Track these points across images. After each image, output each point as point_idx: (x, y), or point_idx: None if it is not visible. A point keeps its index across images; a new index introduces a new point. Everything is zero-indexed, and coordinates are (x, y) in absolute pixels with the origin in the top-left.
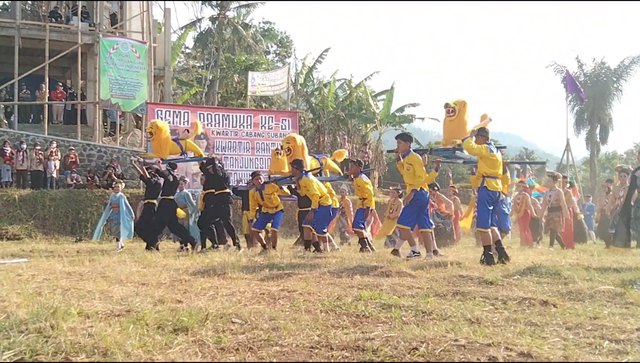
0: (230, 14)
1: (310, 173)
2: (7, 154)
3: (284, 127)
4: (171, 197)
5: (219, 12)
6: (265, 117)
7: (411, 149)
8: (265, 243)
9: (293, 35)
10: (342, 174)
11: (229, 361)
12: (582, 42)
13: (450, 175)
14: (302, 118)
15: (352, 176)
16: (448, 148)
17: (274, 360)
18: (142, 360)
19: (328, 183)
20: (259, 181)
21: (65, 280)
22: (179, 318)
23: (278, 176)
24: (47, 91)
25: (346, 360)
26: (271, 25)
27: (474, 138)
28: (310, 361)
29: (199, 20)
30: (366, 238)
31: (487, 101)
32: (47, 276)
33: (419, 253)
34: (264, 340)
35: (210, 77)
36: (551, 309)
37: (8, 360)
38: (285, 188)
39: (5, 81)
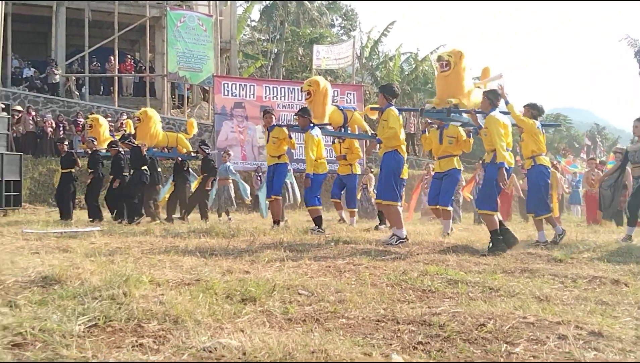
0: None
1: (316, 128)
2: (80, 125)
3: (348, 101)
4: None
5: None
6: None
7: (392, 105)
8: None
9: (358, 8)
10: (370, 133)
11: (296, 332)
12: None
13: (518, 151)
14: (367, 92)
15: None
16: (441, 110)
17: (341, 332)
18: (211, 328)
19: (357, 145)
20: (270, 119)
21: (137, 248)
22: (247, 288)
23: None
24: (117, 63)
25: (412, 334)
26: None
27: (521, 110)
28: (377, 334)
29: None
30: (321, 216)
31: (557, 74)
32: (119, 245)
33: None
34: (331, 312)
35: (276, 50)
36: (622, 288)
37: (82, 326)
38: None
39: (76, 54)
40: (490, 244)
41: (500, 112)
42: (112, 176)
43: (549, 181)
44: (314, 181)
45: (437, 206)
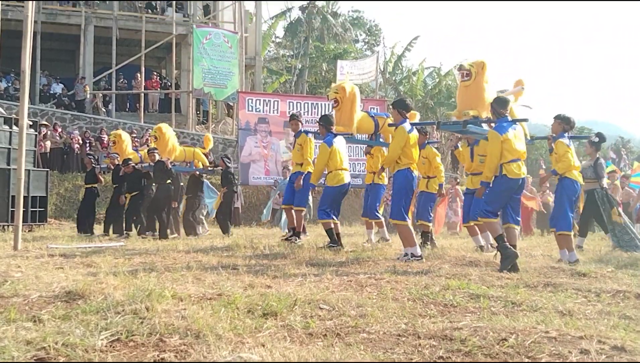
0: (320, 3)
1: (338, 138)
2: (105, 142)
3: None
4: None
5: (308, 1)
6: None
7: (406, 120)
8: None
9: (382, 24)
10: None
11: (317, 346)
12: None
13: (543, 165)
14: (390, 107)
15: None
16: (458, 122)
17: (362, 347)
18: (233, 342)
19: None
20: (296, 125)
21: (159, 263)
22: (268, 303)
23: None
24: (143, 80)
25: (434, 349)
26: (360, 13)
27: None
28: (398, 349)
29: (289, 10)
30: (332, 229)
31: (581, 87)
32: (142, 260)
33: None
34: (352, 326)
35: (300, 66)
36: None
37: (105, 340)
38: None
39: (104, 71)
40: (500, 254)
41: (514, 120)
42: (134, 193)
43: (576, 196)
44: (323, 194)
45: (471, 224)
